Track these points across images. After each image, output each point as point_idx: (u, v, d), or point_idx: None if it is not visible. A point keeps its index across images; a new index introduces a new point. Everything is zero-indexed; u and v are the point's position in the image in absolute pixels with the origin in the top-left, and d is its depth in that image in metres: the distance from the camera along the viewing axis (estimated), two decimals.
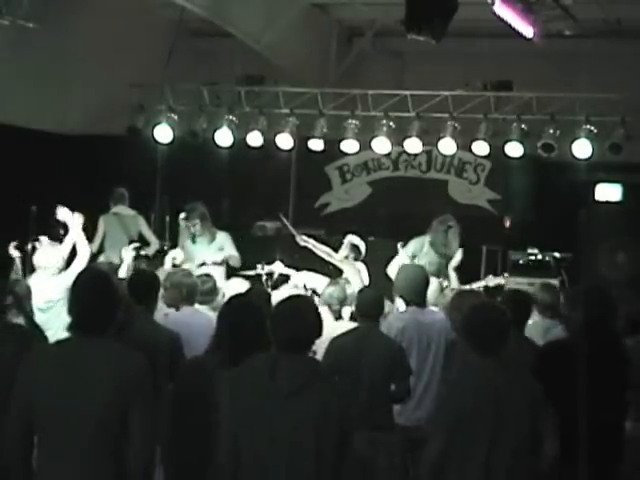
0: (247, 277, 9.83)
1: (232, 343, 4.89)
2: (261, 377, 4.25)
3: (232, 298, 5.42)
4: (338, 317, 7.60)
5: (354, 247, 10.25)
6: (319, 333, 4.41)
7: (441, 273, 9.79)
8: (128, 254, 8.97)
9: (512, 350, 4.94)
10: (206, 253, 10.24)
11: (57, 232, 8.61)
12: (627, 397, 5.34)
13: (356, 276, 9.83)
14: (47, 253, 7.74)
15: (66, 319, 6.18)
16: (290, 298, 4.60)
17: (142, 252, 10.55)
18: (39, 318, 6.60)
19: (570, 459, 5.06)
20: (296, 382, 4.20)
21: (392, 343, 6.58)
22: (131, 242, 10.89)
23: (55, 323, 6.86)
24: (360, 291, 7.09)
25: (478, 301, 5.78)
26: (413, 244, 10.03)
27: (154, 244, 11.43)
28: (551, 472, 4.90)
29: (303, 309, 4.42)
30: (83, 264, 7.65)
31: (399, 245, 9.98)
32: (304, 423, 4.19)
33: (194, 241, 10.35)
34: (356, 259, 10.21)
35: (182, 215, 12.08)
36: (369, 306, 6.63)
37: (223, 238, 10.41)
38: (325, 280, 10.15)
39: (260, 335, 4.84)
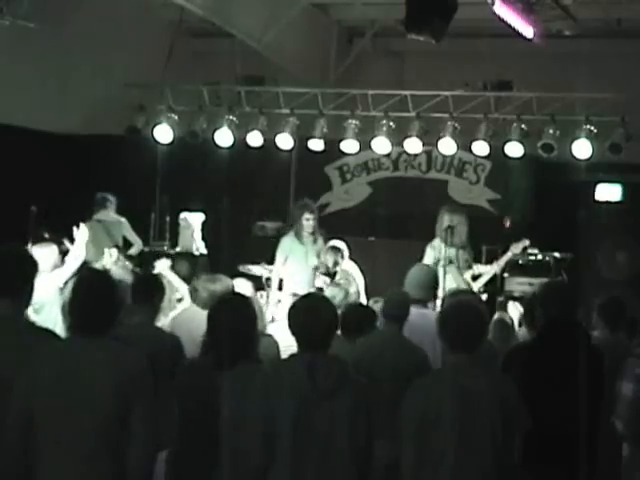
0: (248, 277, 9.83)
1: (227, 343, 4.82)
2: (300, 377, 4.36)
3: (222, 298, 5.37)
4: None
5: (336, 250, 10.30)
6: (335, 329, 4.62)
7: (467, 265, 9.79)
8: (108, 259, 8.93)
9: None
10: (310, 255, 10.24)
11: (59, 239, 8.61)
12: (603, 395, 5.23)
13: (349, 277, 9.88)
14: (39, 256, 7.70)
15: (57, 320, 6.17)
16: (305, 297, 4.82)
17: (126, 253, 10.54)
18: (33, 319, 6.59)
19: (546, 459, 5.05)
20: (331, 382, 4.36)
21: (417, 350, 6.30)
22: (116, 248, 10.87)
23: (47, 324, 6.83)
24: (387, 294, 6.89)
25: (454, 299, 5.79)
26: (432, 246, 9.94)
27: (137, 245, 11.43)
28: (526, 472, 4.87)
29: (319, 306, 4.59)
30: (74, 265, 7.60)
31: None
32: (339, 422, 4.34)
33: (301, 241, 10.28)
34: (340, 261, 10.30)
35: (182, 215, 12.10)
36: (395, 308, 6.45)
37: (322, 244, 10.37)
38: (324, 280, 10.19)
39: (253, 334, 4.91)
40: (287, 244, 10.33)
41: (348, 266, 10.32)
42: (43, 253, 7.70)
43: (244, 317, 4.94)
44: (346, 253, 10.42)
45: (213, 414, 4.62)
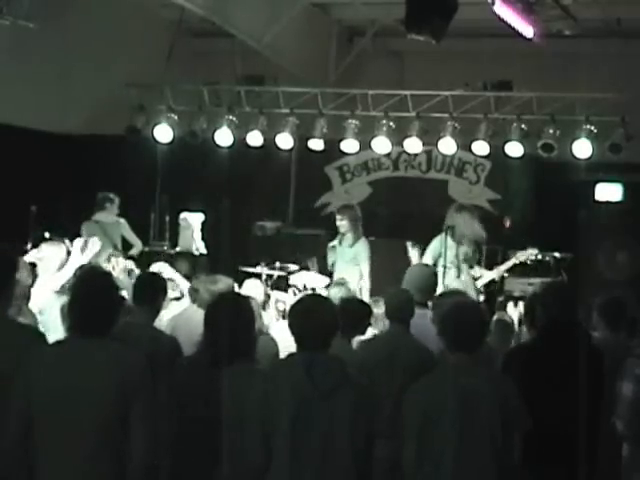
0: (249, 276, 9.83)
1: (223, 341, 4.80)
2: (299, 376, 4.37)
3: (219, 297, 5.37)
4: None
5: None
6: (336, 329, 4.61)
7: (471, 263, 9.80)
8: (116, 267, 8.88)
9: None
10: (344, 256, 10.35)
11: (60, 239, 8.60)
12: (603, 395, 5.24)
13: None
14: (48, 256, 7.68)
15: (58, 322, 6.15)
16: (306, 297, 4.85)
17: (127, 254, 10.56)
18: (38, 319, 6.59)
19: (545, 459, 5.05)
20: (330, 382, 4.37)
21: (424, 349, 6.22)
22: (115, 249, 10.86)
23: (49, 325, 6.83)
24: (389, 293, 6.85)
25: (455, 299, 5.81)
26: (433, 245, 9.93)
27: (137, 246, 11.45)
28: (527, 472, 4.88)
29: (318, 306, 4.61)
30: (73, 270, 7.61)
31: (408, 244, 9.90)
32: (338, 422, 4.35)
33: (340, 242, 10.47)
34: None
35: (182, 215, 12.09)
36: (399, 309, 6.38)
37: (361, 247, 10.39)
38: (324, 280, 10.20)
39: (250, 333, 4.91)
40: (333, 246, 10.55)
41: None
42: (51, 251, 7.68)
43: (240, 315, 4.93)
44: None
45: (210, 412, 4.62)
